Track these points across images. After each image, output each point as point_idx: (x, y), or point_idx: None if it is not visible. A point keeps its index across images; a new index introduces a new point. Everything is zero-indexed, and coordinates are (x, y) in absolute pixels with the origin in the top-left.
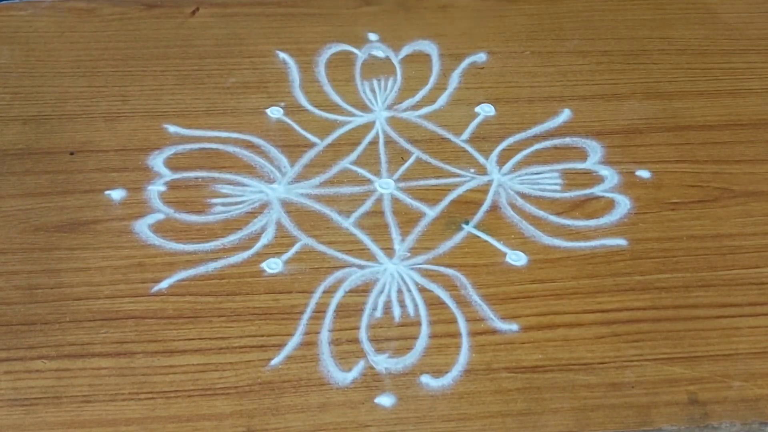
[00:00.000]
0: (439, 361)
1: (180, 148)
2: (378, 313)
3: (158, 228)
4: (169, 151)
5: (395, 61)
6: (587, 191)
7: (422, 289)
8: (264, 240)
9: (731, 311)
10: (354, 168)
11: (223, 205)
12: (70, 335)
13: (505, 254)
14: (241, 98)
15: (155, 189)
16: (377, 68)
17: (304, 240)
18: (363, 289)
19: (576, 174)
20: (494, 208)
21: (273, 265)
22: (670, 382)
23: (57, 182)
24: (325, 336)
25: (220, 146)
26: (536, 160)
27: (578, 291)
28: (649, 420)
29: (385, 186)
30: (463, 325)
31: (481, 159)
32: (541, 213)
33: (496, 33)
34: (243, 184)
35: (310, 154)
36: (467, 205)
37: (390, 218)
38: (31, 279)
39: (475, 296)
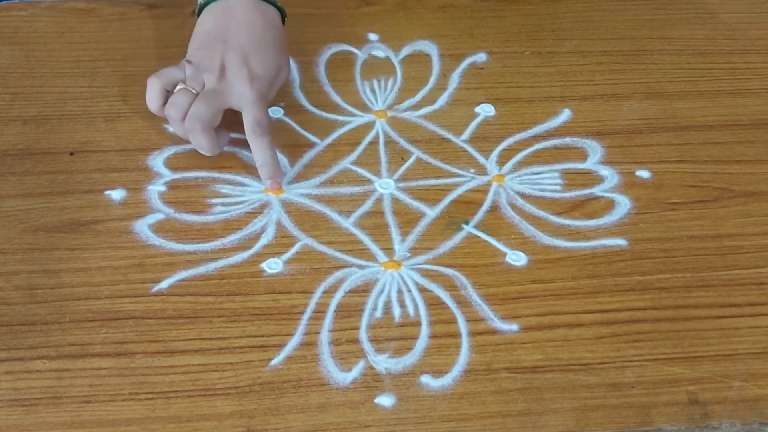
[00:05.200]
0: (439, 361)
1: (180, 148)
2: (378, 314)
3: (158, 228)
4: (169, 151)
5: (395, 61)
6: (587, 191)
7: (422, 289)
8: (264, 240)
9: (731, 311)
10: (354, 168)
11: (223, 205)
12: (70, 335)
13: (505, 254)
14: None
15: (155, 189)
16: (377, 68)
17: (304, 240)
18: (363, 289)
19: (576, 174)
20: (494, 208)
21: (273, 265)
22: (670, 382)
23: (57, 182)
24: (325, 336)
25: None
26: (536, 160)
27: (578, 291)
28: (649, 420)
29: (385, 186)
30: (463, 325)
31: (481, 159)
32: (541, 213)
33: (496, 33)
34: (243, 184)
35: (310, 154)
36: (467, 205)
37: (390, 218)
38: (32, 279)
39: (475, 296)
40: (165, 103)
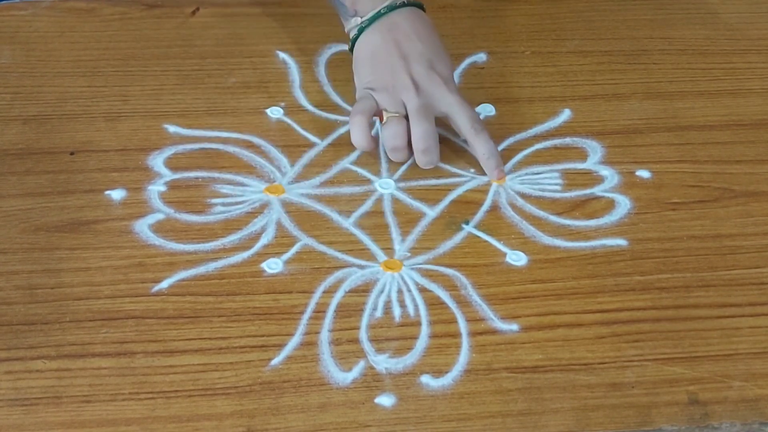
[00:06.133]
0: (439, 361)
1: (180, 148)
2: (378, 313)
3: (158, 228)
4: (169, 151)
5: None
6: (587, 191)
7: (422, 289)
8: (264, 240)
9: (731, 311)
10: (354, 168)
11: (223, 205)
12: (70, 335)
13: (505, 254)
14: (242, 98)
15: (155, 189)
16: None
17: (304, 240)
18: (363, 289)
19: (576, 174)
20: (494, 208)
21: (273, 265)
22: (670, 382)
23: (57, 182)
24: (325, 336)
25: (220, 146)
26: (536, 160)
27: (578, 291)
28: (649, 420)
29: (385, 186)
30: (463, 325)
31: None
32: (541, 213)
33: (496, 33)
34: (243, 184)
35: (310, 154)
36: (467, 205)
37: (390, 218)
38: (32, 279)
39: (475, 296)
40: (371, 137)
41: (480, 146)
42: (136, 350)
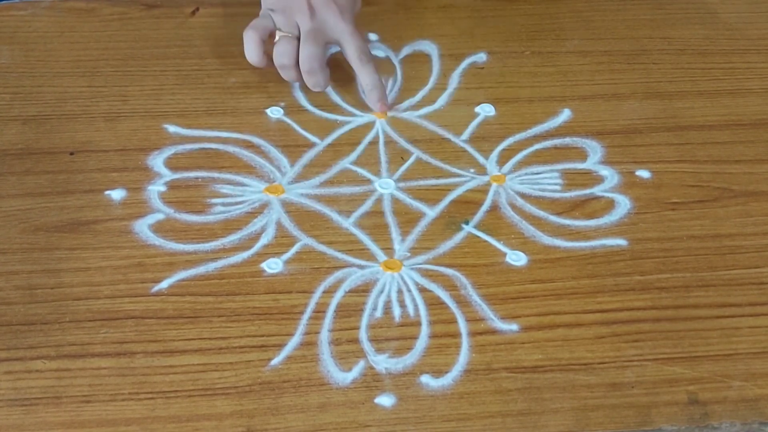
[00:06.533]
0: (439, 361)
1: (180, 148)
2: (378, 313)
3: (158, 228)
4: (169, 151)
5: (395, 61)
6: (587, 191)
7: (422, 289)
8: (264, 240)
9: (731, 311)
10: (354, 168)
11: (223, 205)
12: (70, 335)
13: (505, 254)
14: (241, 98)
15: (155, 189)
16: (377, 68)
17: (304, 240)
18: (363, 289)
19: (576, 174)
20: (494, 208)
21: (273, 265)
22: (670, 382)
23: (57, 182)
24: (325, 336)
25: (220, 146)
26: (536, 160)
27: (578, 291)
28: (649, 420)
29: (385, 186)
30: (463, 325)
31: (481, 159)
32: (541, 213)
33: (496, 33)
34: (243, 184)
35: (310, 154)
36: (467, 205)
37: (390, 218)
38: (31, 279)
39: (475, 296)
40: (262, 53)
41: (364, 77)
42: (136, 350)
